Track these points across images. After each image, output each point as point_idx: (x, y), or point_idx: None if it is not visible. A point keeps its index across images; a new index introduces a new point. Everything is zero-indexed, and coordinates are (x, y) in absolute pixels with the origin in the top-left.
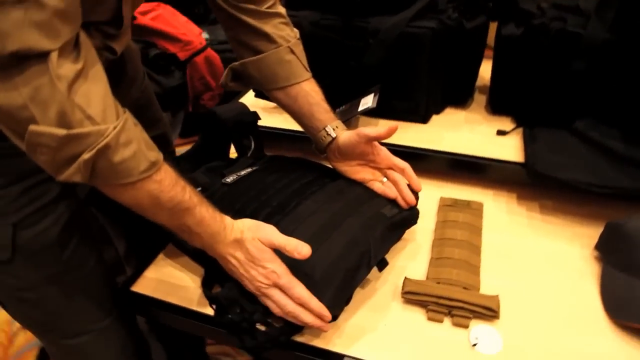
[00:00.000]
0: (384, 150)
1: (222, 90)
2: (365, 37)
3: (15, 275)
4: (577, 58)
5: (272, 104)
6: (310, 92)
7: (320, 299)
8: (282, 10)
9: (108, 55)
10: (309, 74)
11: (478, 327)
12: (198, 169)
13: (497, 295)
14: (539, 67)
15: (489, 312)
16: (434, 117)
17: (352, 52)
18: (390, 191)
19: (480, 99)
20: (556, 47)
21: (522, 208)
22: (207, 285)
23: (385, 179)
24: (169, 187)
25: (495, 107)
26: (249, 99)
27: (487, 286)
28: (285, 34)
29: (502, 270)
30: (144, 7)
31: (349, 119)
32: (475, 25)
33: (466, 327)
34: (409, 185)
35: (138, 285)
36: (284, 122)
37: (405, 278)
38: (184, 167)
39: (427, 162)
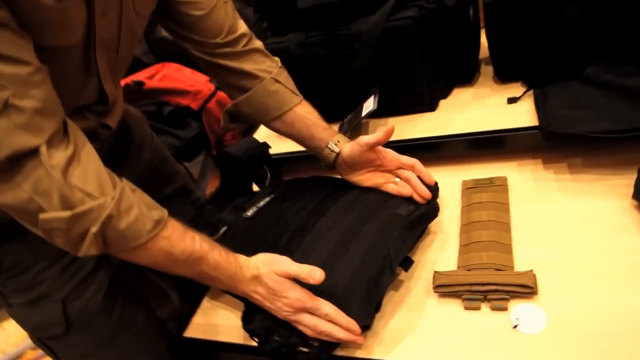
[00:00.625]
0: (390, 152)
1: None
2: (350, 43)
3: (73, 344)
4: (568, 3)
5: None
6: (305, 114)
7: (348, 313)
8: (258, 44)
9: (105, 132)
10: (299, 98)
11: (518, 307)
12: (225, 208)
13: (530, 271)
14: (532, 23)
15: (525, 289)
16: (442, 102)
17: (342, 61)
18: (404, 190)
19: (487, 72)
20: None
21: (550, 172)
22: (246, 319)
23: (397, 179)
24: (178, 240)
25: (502, 76)
26: (264, 129)
27: (523, 262)
28: (266, 66)
29: (536, 243)
30: (149, 71)
31: (355, 127)
32: (457, 0)
33: (505, 309)
34: (422, 180)
35: (190, 331)
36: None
37: (435, 272)
38: (212, 209)
39: (443, 149)
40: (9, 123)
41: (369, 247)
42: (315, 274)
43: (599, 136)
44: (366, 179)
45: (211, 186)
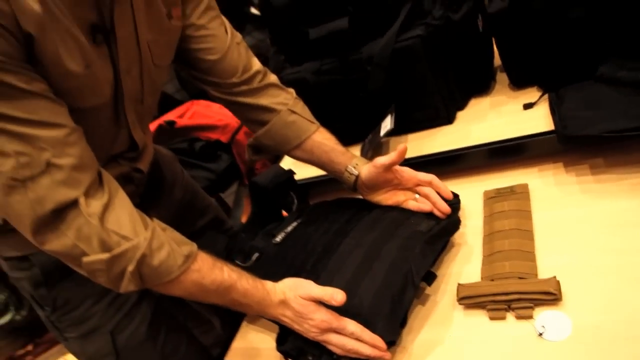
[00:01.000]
0: (407, 170)
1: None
2: (363, 67)
3: None
4: (572, 5)
5: None
6: (322, 141)
7: (373, 330)
8: (272, 78)
9: (138, 175)
10: (315, 125)
11: (543, 314)
12: (257, 235)
13: (554, 277)
14: (539, 28)
15: (549, 296)
16: (459, 114)
17: (357, 84)
18: (424, 206)
19: (503, 79)
20: (547, 3)
21: (572, 175)
22: (279, 341)
23: (417, 196)
24: (208, 272)
25: (516, 82)
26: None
27: (547, 269)
28: (282, 99)
29: (561, 248)
30: (179, 110)
31: (376, 146)
32: (463, 14)
33: (531, 317)
34: (441, 195)
35: (230, 355)
36: None
37: (458, 284)
38: (244, 237)
39: (463, 161)
40: (51, 180)
41: (391, 264)
42: (337, 295)
43: (615, 135)
44: (387, 198)
45: (247, 213)
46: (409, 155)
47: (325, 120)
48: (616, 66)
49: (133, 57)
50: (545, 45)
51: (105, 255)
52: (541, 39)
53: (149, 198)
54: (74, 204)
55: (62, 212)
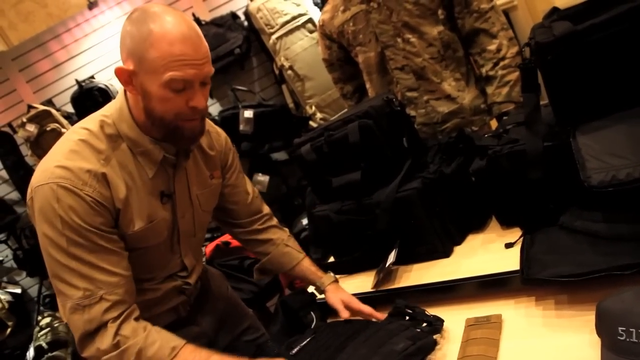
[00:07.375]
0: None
1: None
2: (372, 210)
3: None
4: (529, 168)
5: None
6: (308, 267)
7: None
8: (272, 221)
9: (188, 288)
10: (302, 255)
11: None
12: (283, 344)
13: None
14: (508, 183)
15: None
16: (456, 248)
17: (368, 224)
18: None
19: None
20: (512, 164)
21: (539, 308)
22: None
23: None
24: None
25: (503, 223)
26: None
27: None
28: (278, 235)
29: None
30: None
31: (384, 274)
32: (453, 168)
33: None
34: None
35: None
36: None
37: None
38: (272, 346)
39: (455, 291)
40: (100, 308)
41: None
42: None
43: (562, 280)
44: None
45: None
46: (410, 282)
47: (345, 249)
48: (574, 215)
49: (187, 206)
50: (516, 196)
51: (116, 352)
52: (511, 191)
53: (197, 308)
54: (106, 323)
55: (100, 329)
